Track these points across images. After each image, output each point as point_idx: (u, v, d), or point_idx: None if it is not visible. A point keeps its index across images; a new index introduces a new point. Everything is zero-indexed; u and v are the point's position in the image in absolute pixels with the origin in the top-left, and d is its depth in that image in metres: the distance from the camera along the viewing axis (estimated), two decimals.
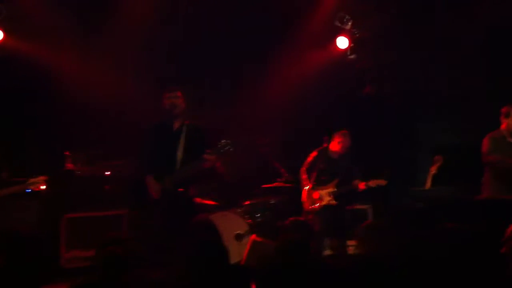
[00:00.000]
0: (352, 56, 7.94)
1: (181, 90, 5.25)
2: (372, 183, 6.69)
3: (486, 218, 4.71)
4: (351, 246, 6.94)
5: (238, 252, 6.23)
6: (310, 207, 6.86)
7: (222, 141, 5.00)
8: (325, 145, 6.90)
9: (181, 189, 5.08)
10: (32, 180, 5.26)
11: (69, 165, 6.30)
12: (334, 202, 6.81)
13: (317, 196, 6.83)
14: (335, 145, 6.88)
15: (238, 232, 6.58)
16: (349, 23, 7.69)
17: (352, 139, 6.87)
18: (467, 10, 7.12)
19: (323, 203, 6.83)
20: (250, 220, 6.81)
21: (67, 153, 6.34)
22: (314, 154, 6.89)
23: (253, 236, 6.18)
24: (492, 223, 4.31)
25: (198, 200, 6.67)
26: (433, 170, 6.35)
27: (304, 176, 6.85)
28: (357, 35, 7.77)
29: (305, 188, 6.87)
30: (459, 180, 5.85)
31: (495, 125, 5.83)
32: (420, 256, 3.45)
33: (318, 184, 6.89)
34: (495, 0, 6.96)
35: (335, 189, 6.80)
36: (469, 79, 7.48)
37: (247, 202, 7.03)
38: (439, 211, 5.26)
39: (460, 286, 3.14)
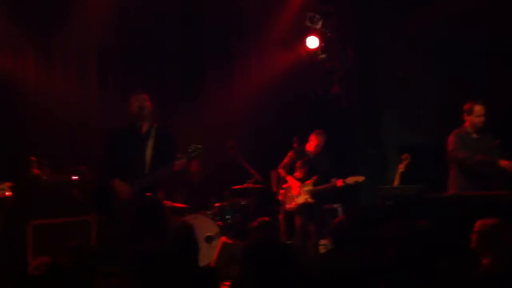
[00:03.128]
0: (323, 56, 7.98)
1: (147, 94, 5.20)
2: (350, 180, 6.77)
3: (454, 215, 4.79)
4: (323, 245, 7.00)
5: (208, 255, 6.22)
6: (288, 206, 6.90)
7: (193, 145, 4.99)
8: (295, 145, 6.94)
9: (149, 193, 5.01)
10: None
11: (35, 171, 6.15)
12: (311, 200, 6.85)
13: (295, 194, 6.87)
14: (309, 144, 6.95)
15: (208, 234, 6.57)
16: (320, 23, 7.72)
17: (326, 139, 6.93)
18: (429, 9, 7.25)
19: (301, 201, 6.86)
20: (220, 222, 6.80)
21: (32, 158, 6.21)
22: (290, 153, 6.93)
23: (223, 238, 6.18)
24: (459, 219, 4.38)
25: (168, 203, 6.63)
26: (401, 168, 6.43)
27: (282, 175, 6.88)
28: (328, 35, 7.81)
29: (283, 187, 6.91)
30: (427, 177, 5.93)
31: (460, 122, 5.90)
32: (391, 254, 3.48)
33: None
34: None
35: (313, 187, 6.85)
36: (433, 78, 7.61)
37: (217, 204, 7.01)
38: (408, 208, 5.32)
39: (432, 284, 3.17)
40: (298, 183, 6.89)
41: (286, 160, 6.97)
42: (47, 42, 7.10)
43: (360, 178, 6.77)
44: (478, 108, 5.73)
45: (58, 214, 6.09)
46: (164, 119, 5.60)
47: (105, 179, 5.06)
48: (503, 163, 5.48)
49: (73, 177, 6.33)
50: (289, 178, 6.92)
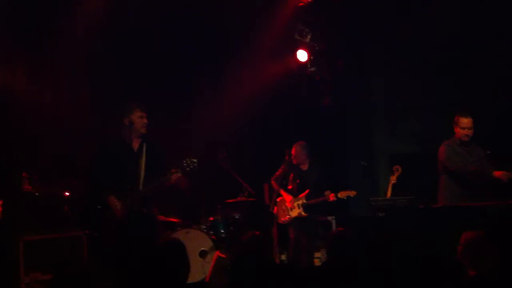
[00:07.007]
0: (312, 69, 8.02)
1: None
2: (342, 195, 6.73)
3: (443, 226, 4.80)
4: (317, 258, 6.99)
5: (203, 269, 6.20)
6: (281, 219, 6.89)
7: (187, 159, 4.95)
8: (286, 158, 6.94)
9: (144, 209, 4.99)
10: None
11: (27, 187, 6.14)
12: (304, 214, 6.84)
13: (288, 208, 6.87)
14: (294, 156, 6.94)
15: (202, 249, 6.54)
16: (308, 36, 7.77)
17: (308, 150, 6.94)
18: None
19: (294, 215, 6.85)
20: (214, 236, 6.78)
21: (24, 174, 6.20)
22: (282, 166, 6.94)
23: (217, 252, 6.16)
24: (448, 230, 4.39)
25: (161, 217, 6.60)
26: (393, 179, 6.45)
27: (275, 187, 6.88)
28: (317, 48, 7.85)
29: (276, 200, 6.90)
30: (418, 189, 5.95)
31: (450, 133, 5.92)
32: (382, 263, 3.49)
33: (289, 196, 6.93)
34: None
35: (306, 201, 6.83)
36: (424, 89, 7.66)
37: (211, 218, 6.99)
38: (399, 219, 5.32)
39: None
40: (291, 197, 6.89)
41: (278, 172, 6.98)
42: (37, 53, 7.04)
43: (352, 193, 6.73)
44: (463, 121, 5.72)
45: (50, 230, 6.07)
46: (157, 132, 5.57)
47: (97, 195, 5.04)
48: (497, 174, 5.47)
49: (66, 193, 6.33)
50: (282, 191, 6.91)
